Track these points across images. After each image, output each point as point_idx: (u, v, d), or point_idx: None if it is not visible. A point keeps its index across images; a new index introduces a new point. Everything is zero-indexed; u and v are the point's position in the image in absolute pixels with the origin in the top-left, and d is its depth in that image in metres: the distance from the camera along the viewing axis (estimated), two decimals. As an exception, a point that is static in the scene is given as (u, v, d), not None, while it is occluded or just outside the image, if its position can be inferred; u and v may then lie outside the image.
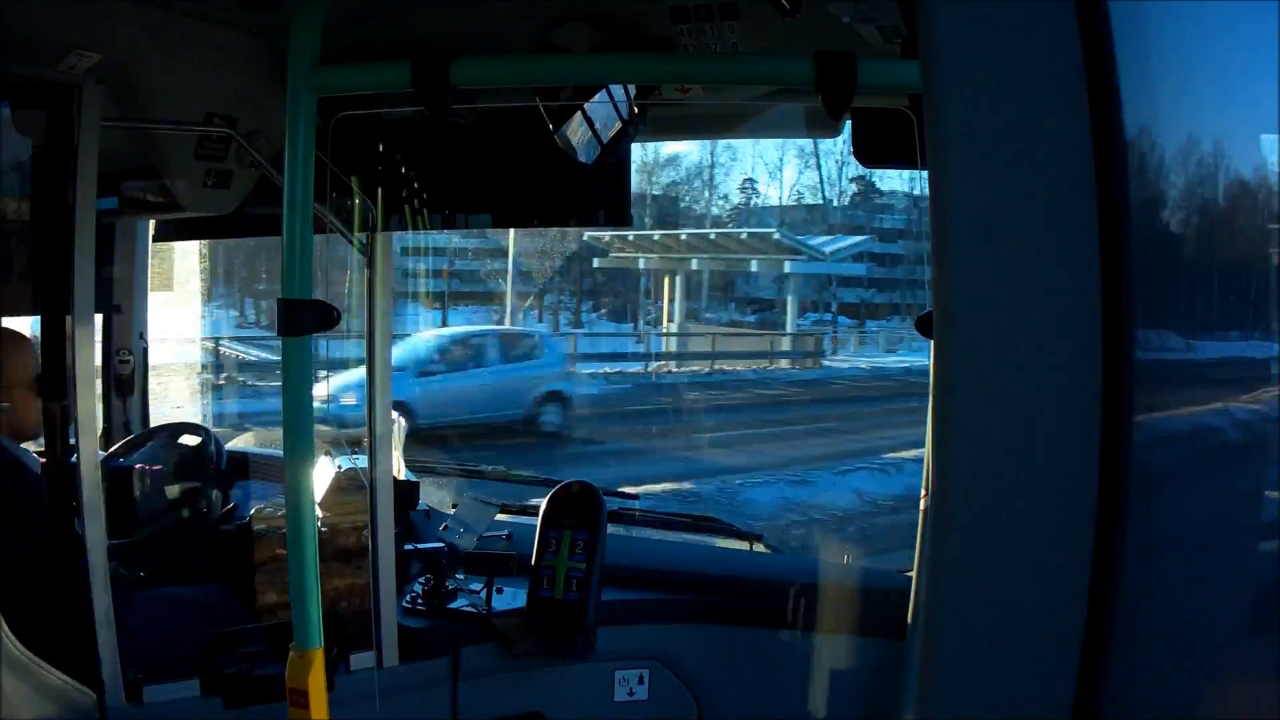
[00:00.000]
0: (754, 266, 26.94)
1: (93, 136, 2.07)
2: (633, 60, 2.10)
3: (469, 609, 2.62)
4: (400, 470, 3.01)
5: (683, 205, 35.08)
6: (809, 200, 34.86)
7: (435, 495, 3.24)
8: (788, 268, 25.92)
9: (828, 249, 26.69)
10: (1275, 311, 1.03)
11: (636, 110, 2.23)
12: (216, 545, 2.75)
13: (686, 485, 10.44)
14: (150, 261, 3.37)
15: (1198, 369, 1.02)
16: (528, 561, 2.62)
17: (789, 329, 27.12)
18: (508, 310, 25.21)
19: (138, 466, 2.68)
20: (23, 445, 2.41)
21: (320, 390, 2.29)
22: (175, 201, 2.51)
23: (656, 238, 26.98)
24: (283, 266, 1.83)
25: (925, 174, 0.94)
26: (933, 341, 0.97)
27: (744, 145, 34.67)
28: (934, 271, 0.89)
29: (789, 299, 27.71)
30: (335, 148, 2.09)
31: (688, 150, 34.43)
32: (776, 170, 39.16)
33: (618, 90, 2.17)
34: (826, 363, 24.15)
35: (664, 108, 2.51)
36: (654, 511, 3.22)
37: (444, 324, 22.23)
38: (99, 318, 3.01)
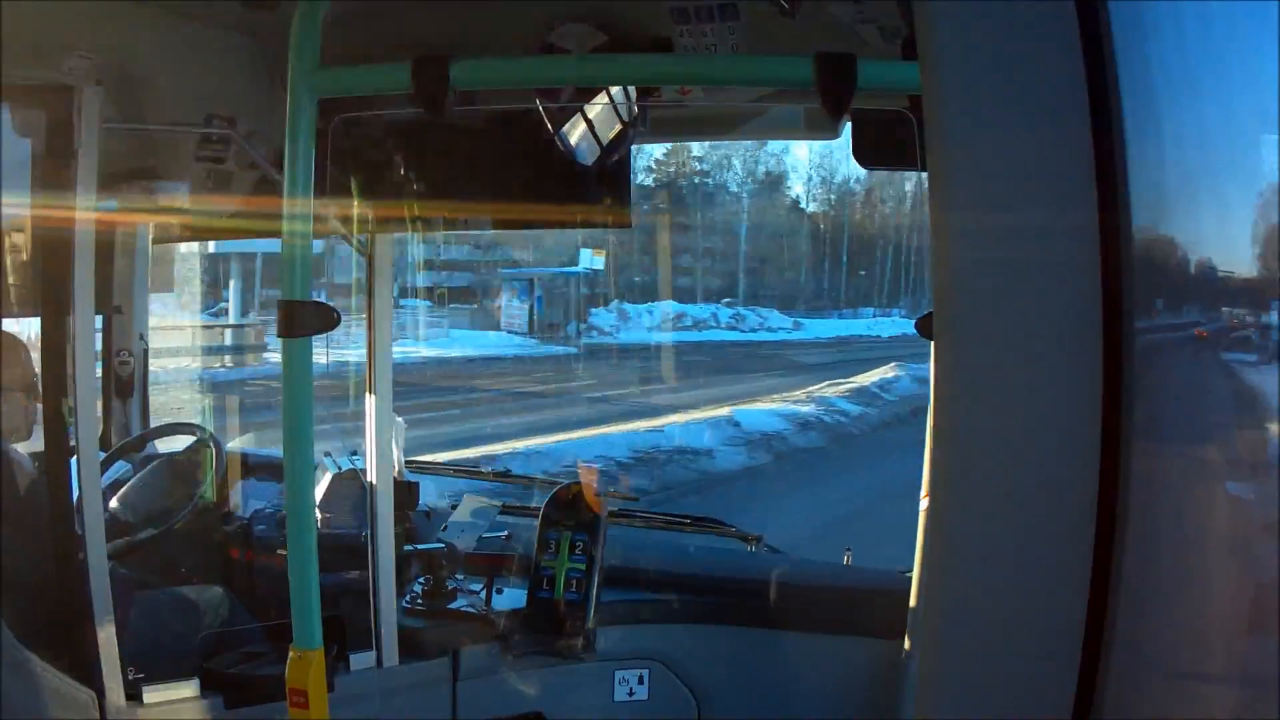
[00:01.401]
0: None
1: (93, 138, 2.07)
2: (633, 61, 2.10)
3: (469, 609, 2.62)
4: (400, 471, 3.01)
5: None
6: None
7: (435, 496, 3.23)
8: (213, 246, 20.67)
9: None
10: (1277, 312, 1.03)
11: (637, 111, 2.22)
12: (216, 545, 2.75)
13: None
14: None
15: (1200, 369, 1.02)
16: (528, 562, 2.62)
17: (233, 319, 23.23)
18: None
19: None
20: (16, 446, 2.41)
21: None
22: (175, 203, 2.51)
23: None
24: (282, 267, 1.83)
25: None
26: (933, 343, 0.97)
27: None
28: (934, 272, 0.89)
29: (233, 283, 24.27)
30: (335, 148, 2.08)
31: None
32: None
33: (618, 91, 2.17)
34: (269, 357, 20.06)
35: (664, 109, 2.51)
36: (654, 512, 3.23)
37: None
38: (99, 318, 3.01)
